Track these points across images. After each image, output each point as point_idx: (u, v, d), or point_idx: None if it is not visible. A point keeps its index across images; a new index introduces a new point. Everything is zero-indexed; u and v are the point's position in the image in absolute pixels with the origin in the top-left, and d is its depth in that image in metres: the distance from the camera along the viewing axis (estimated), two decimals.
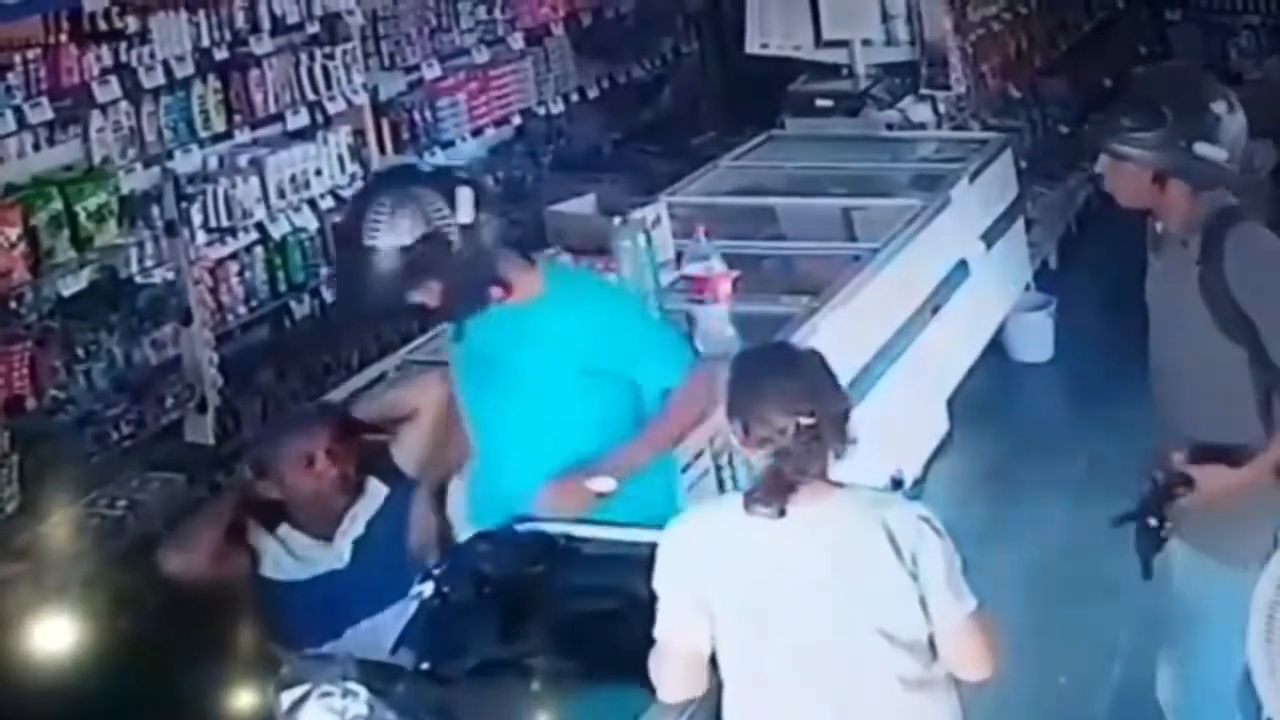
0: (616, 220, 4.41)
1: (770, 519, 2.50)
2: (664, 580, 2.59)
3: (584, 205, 5.12)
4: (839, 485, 2.55)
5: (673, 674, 2.59)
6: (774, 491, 2.50)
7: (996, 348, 6.09)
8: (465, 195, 2.94)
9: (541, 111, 6.80)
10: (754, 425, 2.52)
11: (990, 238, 5.90)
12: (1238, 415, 3.03)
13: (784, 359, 2.65)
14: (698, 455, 3.68)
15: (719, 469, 3.75)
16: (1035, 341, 6.25)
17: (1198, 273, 3.02)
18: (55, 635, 2.75)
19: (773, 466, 2.51)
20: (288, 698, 2.50)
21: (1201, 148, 3.01)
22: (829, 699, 2.53)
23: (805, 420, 2.48)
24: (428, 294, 2.98)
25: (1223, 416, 3.04)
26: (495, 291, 3.03)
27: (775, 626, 2.54)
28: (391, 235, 2.89)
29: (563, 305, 3.10)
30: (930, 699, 2.57)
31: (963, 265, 5.55)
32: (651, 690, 2.62)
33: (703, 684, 2.60)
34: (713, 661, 2.59)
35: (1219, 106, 3.05)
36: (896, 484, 2.94)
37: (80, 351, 4.57)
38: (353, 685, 2.48)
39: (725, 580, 2.55)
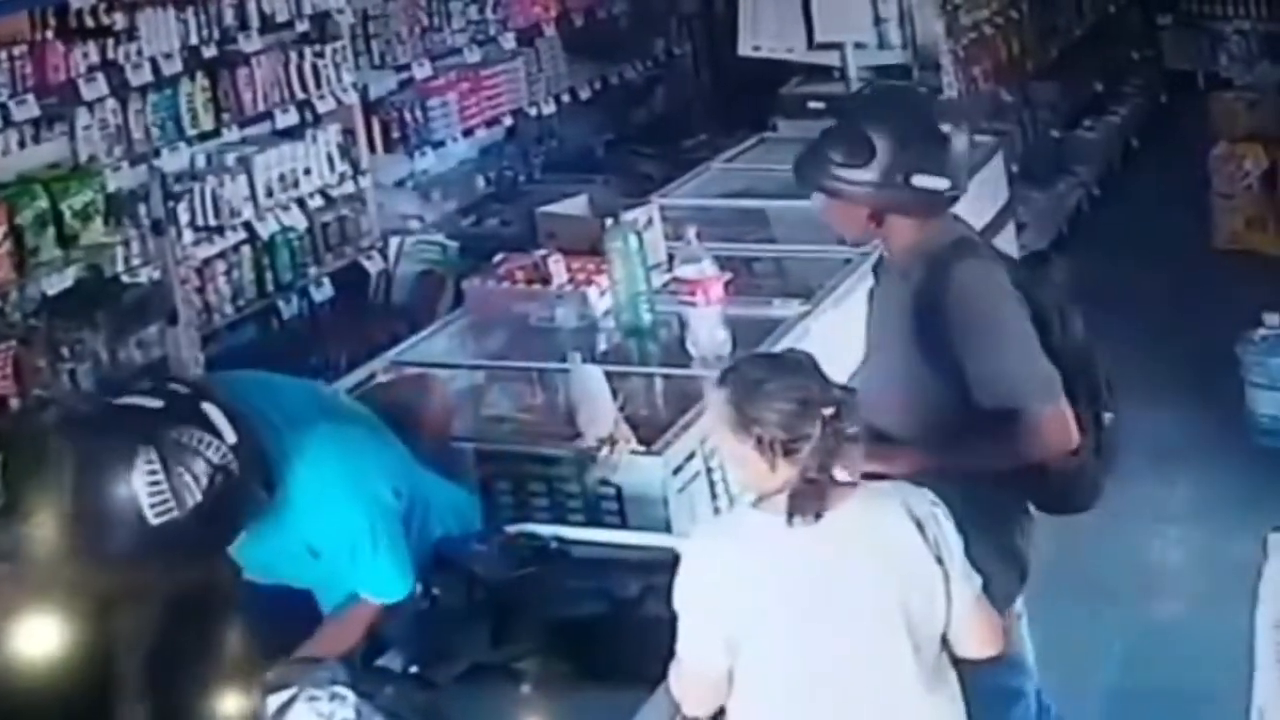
0: (608, 222, 4.38)
1: (808, 525, 2.47)
2: (689, 602, 2.53)
3: (576, 206, 5.09)
4: (852, 483, 2.54)
5: (695, 690, 2.58)
6: (810, 496, 2.47)
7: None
8: (215, 413, 2.57)
9: (533, 112, 6.79)
10: (776, 434, 2.48)
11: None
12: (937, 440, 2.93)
13: (784, 365, 2.61)
14: (689, 458, 3.63)
15: (709, 471, 3.70)
16: None
17: (912, 303, 2.91)
18: (40, 637, 2.72)
19: (806, 471, 2.47)
20: (274, 701, 2.48)
21: (920, 180, 2.89)
22: (857, 699, 2.52)
23: (829, 415, 2.46)
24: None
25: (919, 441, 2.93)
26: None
27: (813, 630, 2.51)
28: (179, 498, 2.50)
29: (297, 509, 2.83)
30: (946, 698, 2.59)
31: None
32: (643, 693, 2.64)
33: (724, 695, 2.57)
34: None
35: (938, 132, 2.92)
36: None
37: (65, 351, 4.56)
38: (339, 689, 2.47)
39: (766, 596, 2.51)
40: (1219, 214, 7.15)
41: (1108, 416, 3.03)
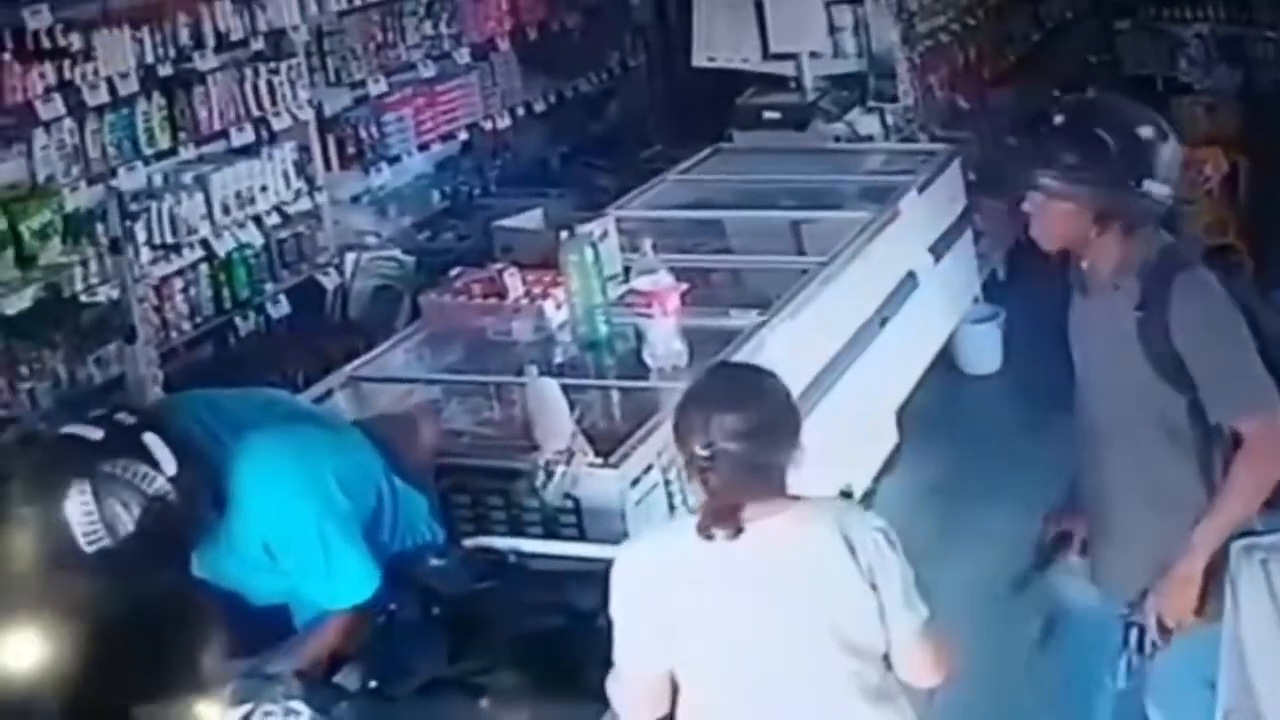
0: (564, 234, 4.38)
1: (728, 540, 2.48)
2: (622, 607, 2.55)
3: (531, 220, 5.11)
4: (796, 498, 2.54)
5: (632, 698, 2.58)
6: (718, 515, 2.49)
7: (945, 359, 6.08)
8: (156, 443, 2.66)
9: (488, 126, 6.78)
10: (682, 453, 2.52)
11: (939, 249, 5.89)
12: (1176, 467, 2.89)
13: (714, 384, 2.62)
14: (646, 470, 3.64)
15: (668, 483, 3.71)
16: (984, 353, 6.26)
17: (1136, 319, 2.85)
18: (2, 649, 2.72)
19: (709, 491, 2.50)
20: (229, 717, 2.50)
21: (1150, 185, 2.82)
22: (793, 714, 2.52)
23: (724, 446, 2.46)
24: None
25: (1161, 469, 2.90)
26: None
27: (738, 645, 2.52)
28: (111, 529, 2.59)
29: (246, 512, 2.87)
30: (891, 711, 2.57)
31: (911, 277, 5.54)
32: (601, 707, 2.61)
33: (664, 705, 2.58)
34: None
35: (1158, 137, 2.86)
36: (845, 496, 2.93)
37: (24, 370, 4.56)
38: (294, 704, 2.49)
39: (687, 603, 2.52)
40: (1180, 219, 7.17)
41: None
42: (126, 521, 2.60)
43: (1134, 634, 2.96)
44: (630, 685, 2.58)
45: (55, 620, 2.65)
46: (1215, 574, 2.83)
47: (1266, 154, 6.90)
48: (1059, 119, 2.91)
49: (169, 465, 2.65)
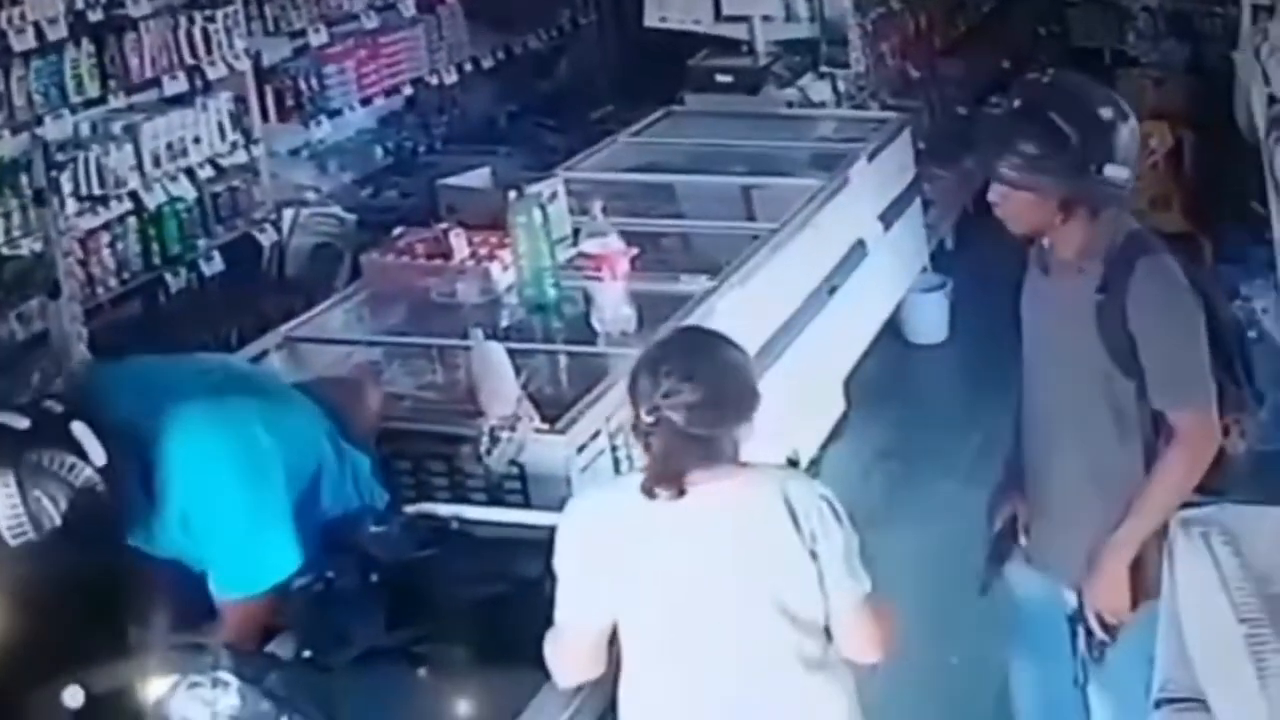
0: (512, 195, 4.31)
1: (670, 501, 2.48)
2: (563, 561, 2.57)
3: (478, 179, 5.01)
4: (743, 464, 2.53)
5: (571, 656, 2.58)
6: (661, 478, 2.49)
7: (893, 328, 6.09)
8: (84, 432, 2.59)
9: (434, 81, 6.69)
10: (632, 414, 2.53)
11: (888, 218, 5.88)
12: (1120, 450, 2.91)
13: (669, 350, 2.60)
14: (593, 436, 3.60)
15: (614, 449, 3.67)
16: (931, 322, 6.26)
17: (1095, 301, 2.86)
18: None
19: (652, 456, 2.50)
20: (155, 689, 2.44)
21: (1110, 170, 2.83)
22: (730, 677, 2.53)
23: (668, 415, 2.46)
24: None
25: (1105, 450, 2.92)
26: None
27: (677, 606, 2.52)
28: (36, 522, 2.53)
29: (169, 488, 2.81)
30: (827, 679, 2.57)
31: (860, 245, 5.53)
32: (543, 675, 2.59)
33: (600, 666, 2.59)
34: (611, 643, 2.57)
35: (1118, 118, 2.85)
36: (792, 464, 2.94)
37: None
38: (223, 674, 2.41)
39: (626, 560, 2.53)
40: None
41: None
42: (52, 514, 2.54)
43: (1081, 636, 2.99)
44: (567, 642, 2.58)
45: None
46: (1149, 562, 2.85)
47: (1212, 128, 6.95)
48: (1017, 103, 2.91)
49: (97, 455, 2.59)
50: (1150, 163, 7.06)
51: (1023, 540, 3.12)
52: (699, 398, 2.47)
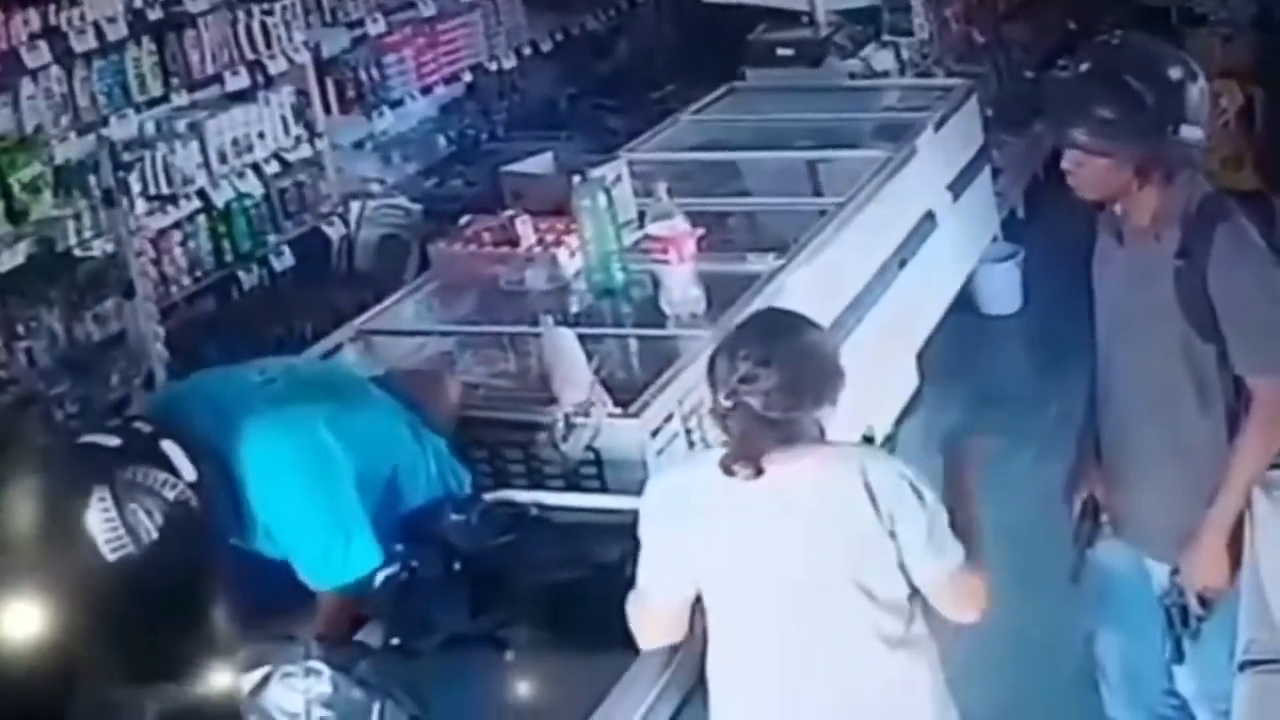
0: (576, 179, 4.30)
1: (748, 480, 2.47)
2: (646, 531, 2.59)
3: (541, 164, 5.01)
4: (823, 443, 2.52)
5: (649, 621, 2.60)
6: (739, 457, 2.48)
7: (965, 300, 6.03)
8: (174, 450, 2.65)
9: (493, 67, 6.66)
10: (711, 397, 2.52)
11: (957, 188, 5.82)
12: (1202, 417, 2.86)
13: (748, 334, 2.58)
14: (666, 419, 3.58)
15: (689, 432, 3.65)
16: (1004, 293, 6.18)
17: (1174, 267, 2.80)
18: (8, 619, 2.64)
19: (730, 438, 2.49)
20: (248, 681, 2.47)
21: (1185, 130, 2.77)
22: (812, 655, 2.52)
23: (746, 399, 2.45)
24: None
25: (1186, 419, 2.87)
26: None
27: (755, 584, 2.53)
28: (135, 535, 2.56)
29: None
30: (911, 656, 2.56)
31: (930, 217, 5.47)
32: (628, 656, 2.61)
33: (680, 632, 2.61)
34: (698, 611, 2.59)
35: (1187, 79, 2.80)
36: (868, 441, 2.89)
37: (20, 329, 4.49)
38: (314, 664, 2.44)
39: (705, 536, 2.55)
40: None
41: None
42: (149, 528, 2.57)
43: (1176, 614, 2.95)
44: (647, 607, 2.60)
45: (71, 605, 2.58)
46: (1242, 534, 2.82)
47: None
48: (1087, 67, 2.86)
49: (188, 472, 2.64)
50: (1221, 122, 6.94)
51: (1103, 516, 3.08)
52: (776, 382, 2.45)
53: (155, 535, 2.57)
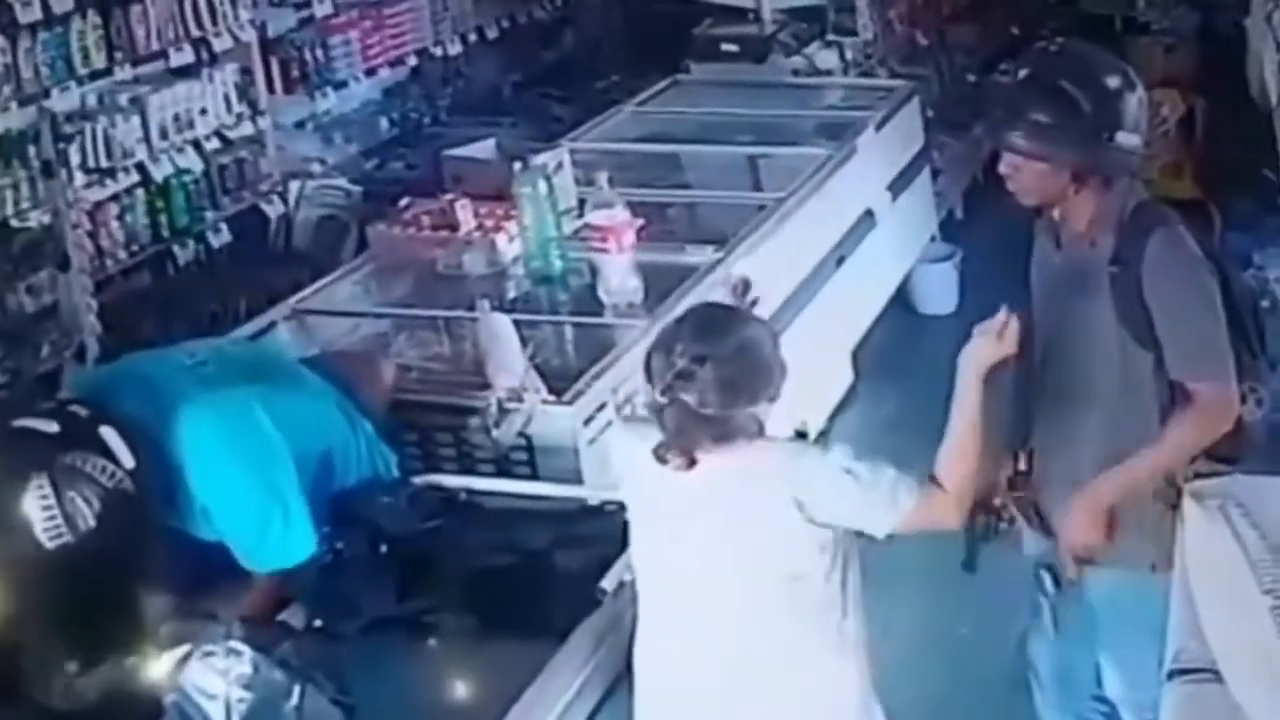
0: (517, 166, 4.30)
1: (679, 470, 2.50)
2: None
3: (483, 150, 5.00)
4: (758, 438, 2.53)
5: None
6: (672, 449, 2.50)
7: (901, 299, 6.07)
8: (112, 436, 2.62)
9: (438, 52, 6.64)
10: (649, 390, 2.54)
11: (896, 188, 5.86)
12: (1135, 422, 2.87)
13: (678, 329, 2.57)
14: (600, 408, 3.59)
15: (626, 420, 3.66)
16: (940, 293, 6.23)
17: (1109, 274, 2.82)
18: None
19: (666, 432, 2.50)
20: (169, 659, 2.45)
21: (1122, 137, 2.79)
22: (735, 650, 2.54)
23: (682, 396, 2.46)
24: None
25: (1119, 423, 2.88)
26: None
27: (680, 571, 2.57)
28: (72, 524, 2.54)
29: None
30: (839, 653, 2.57)
31: (869, 215, 5.51)
32: (551, 645, 2.62)
33: None
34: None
35: (1125, 87, 2.83)
36: (800, 435, 2.92)
37: None
38: (235, 644, 2.43)
39: (637, 500, 2.61)
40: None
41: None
42: (87, 516, 2.55)
43: (1046, 577, 2.98)
44: None
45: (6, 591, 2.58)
46: (1145, 523, 2.84)
47: (1223, 96, 6.91)
48: (1026, 72, 2.88)
49: (126, 459, 2.61)
50: (1162, 130, 7.03)
51: (1007, 515, 3.08)
52: (711, 379, 2.45)
53: (93, 523, 2.54)
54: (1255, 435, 2.91)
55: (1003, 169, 2.87)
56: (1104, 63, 2.89)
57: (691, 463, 2.48)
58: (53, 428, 2.61)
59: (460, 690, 2.66)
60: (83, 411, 2.67)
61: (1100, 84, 2.81)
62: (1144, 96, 2.86)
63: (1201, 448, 2.83)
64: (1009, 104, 2.85)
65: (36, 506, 2.52)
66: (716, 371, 2.46)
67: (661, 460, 2.50)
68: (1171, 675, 2.55)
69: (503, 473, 3.42)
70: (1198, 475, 2.79)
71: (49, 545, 2.52)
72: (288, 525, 2.82)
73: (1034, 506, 3.08)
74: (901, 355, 5.80)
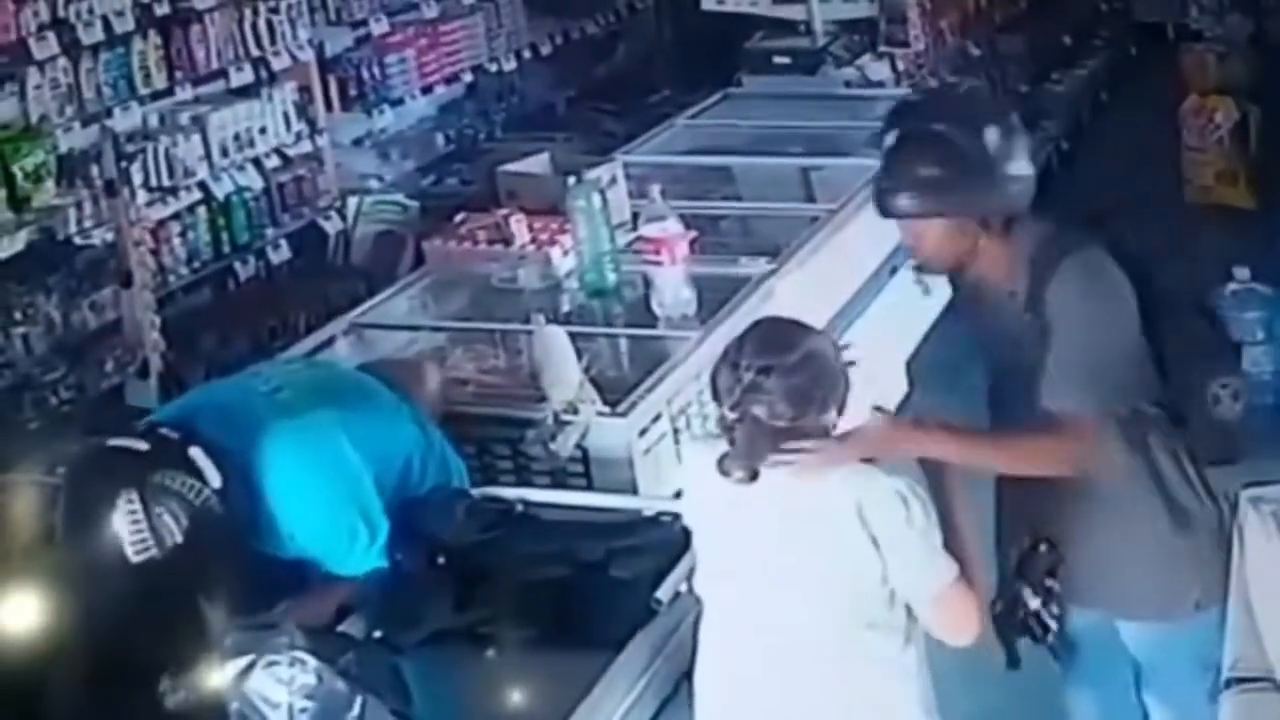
0: (571, 180, 4.30)
1: (742, 483, 2.50)
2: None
3: (537, 165, 5.02)
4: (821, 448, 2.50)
5: None
6: (733, 460, 2.50)
7: (954, 308, 6.04)
8: (200, 457, 2.69)
9: (493, 68, 6.71)
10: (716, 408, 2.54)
11: None
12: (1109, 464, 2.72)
13: (741, 344, 2.56)
14: (654, 419, 3.59)
15: (676, 432, 3.66)
16: None
17: (1028, 322, 2.68)
18: (26, 612, 2.67)
19: (734, 448, 2.50)
20: (232, 668, 2.46)
21: (1014, 167, 2.66)
22: (795, 670, 2.52)
23: (751, 408, 2.46)
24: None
25: (1094, 484, 2.74)
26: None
27: (743, 585, 2.54)
28: (159, 539, 2.60)
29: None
30: (900, 679, 2.55)
31: None
32: (608, 656, 2.62)
33: None
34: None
35: (998, 116, 2.72)
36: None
37: (17, 315, 4.53)
38: (299, 654, 2.44)
39: (698, 514, 2.64)
40: (1189, 168, 7.12)
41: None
42: (174, 532, 2.61)
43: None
44: None
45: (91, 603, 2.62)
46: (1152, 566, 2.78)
47: (1277, 103, 6.84)
48: (894, 135, 2.75)
49: (214, 478, 2.68)
50: (1215, 138, 6.99)
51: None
52: (781, 390, 2.45)
53: (179, 539, 2.60)
54: (1242, 430, 2.81)
55: (905, 240, 2.77)
56: (970, 98, 2.84)
57: (754, 475, 2.48)
58: (143, 446, 2.69)
59: (517, 701, 2.63)
60: (173, 434, 2.73)
61: (974, 120, 2.69)
62: (1018, 122, 2.74)
63: (1038, 472, 2.70)
64: (890, 171, 2.74)
65: (125, 522, 2.58)
66: (785, 381, 2.46)
67: (724, 473, 2.50)
68: (1229, 684, 2.53)
69: (558, 484, 3.43)
70: (1250, 485, 2.70)
71: (134, 559, 2.58)
72: (373, 543, 2.87)
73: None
74: (956, 364, 5.78)
